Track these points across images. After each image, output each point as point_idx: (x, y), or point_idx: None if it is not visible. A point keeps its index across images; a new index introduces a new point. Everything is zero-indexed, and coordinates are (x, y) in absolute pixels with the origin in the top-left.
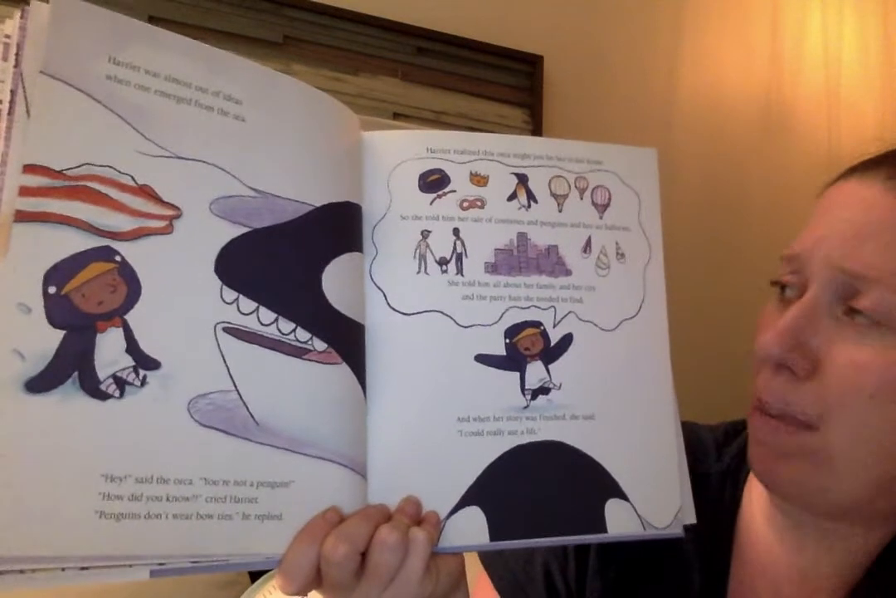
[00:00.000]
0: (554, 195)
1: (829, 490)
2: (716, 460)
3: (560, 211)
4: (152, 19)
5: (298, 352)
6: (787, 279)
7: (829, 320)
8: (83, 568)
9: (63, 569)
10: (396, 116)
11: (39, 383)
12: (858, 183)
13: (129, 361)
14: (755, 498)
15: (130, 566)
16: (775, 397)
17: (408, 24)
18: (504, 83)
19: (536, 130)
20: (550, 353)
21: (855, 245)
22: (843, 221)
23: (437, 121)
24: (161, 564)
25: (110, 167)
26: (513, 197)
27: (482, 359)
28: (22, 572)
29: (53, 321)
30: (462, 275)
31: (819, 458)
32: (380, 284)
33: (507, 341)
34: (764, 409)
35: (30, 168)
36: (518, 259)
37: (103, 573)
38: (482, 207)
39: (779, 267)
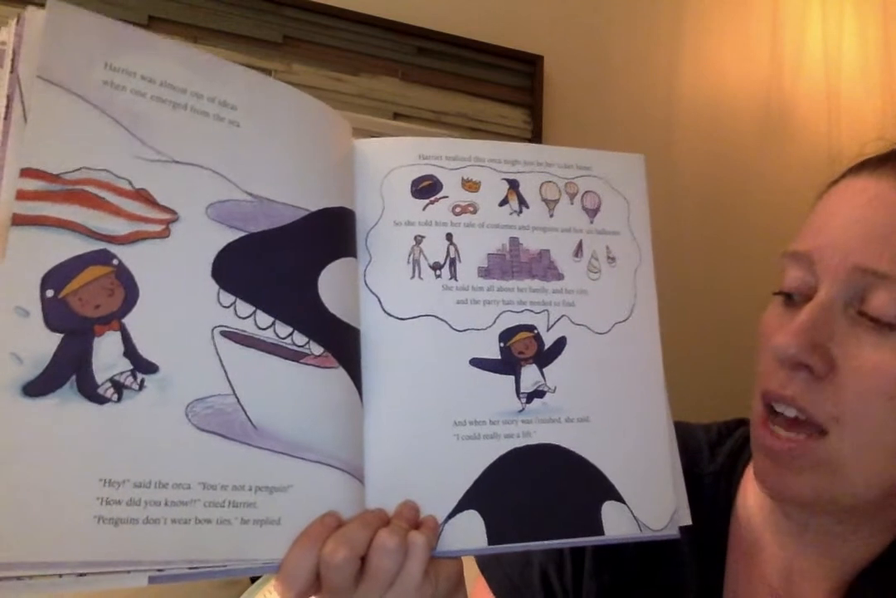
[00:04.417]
0: (545, 200)
1: (840, 497)
2: (709, 461)
3: (551, 216)
4: (152, 19)
5: (295, 356)
6: (792, 286)
7: (843, 320)
8: (81, 575)
9: (61, 576)
10: (396, 116)
11: (37, 387)
12: (869, 180)
13: (126, 364)
14: (751, 499)
15: (129, 572)
16: (795, 392)
17: (408, 24)
18: (504, 83)
19: (536, 131)
20: (544, 356)
21: (877, 246)
22: (860, 220)
23: (438, 121)
24: (159, 570)
25: (107, 171)
26: (504, 202)
27: (477, 363)
28: (20, 578)
29: (51, 325)
30: (456, 280)
31: (830, 467)
32: (374, 289)
33: (502, 344)
34: (777, 412)
35: (27, 172)
36: (511, 264)
37: (101, 580)
38: (474, 212)
39: (779, 265)
